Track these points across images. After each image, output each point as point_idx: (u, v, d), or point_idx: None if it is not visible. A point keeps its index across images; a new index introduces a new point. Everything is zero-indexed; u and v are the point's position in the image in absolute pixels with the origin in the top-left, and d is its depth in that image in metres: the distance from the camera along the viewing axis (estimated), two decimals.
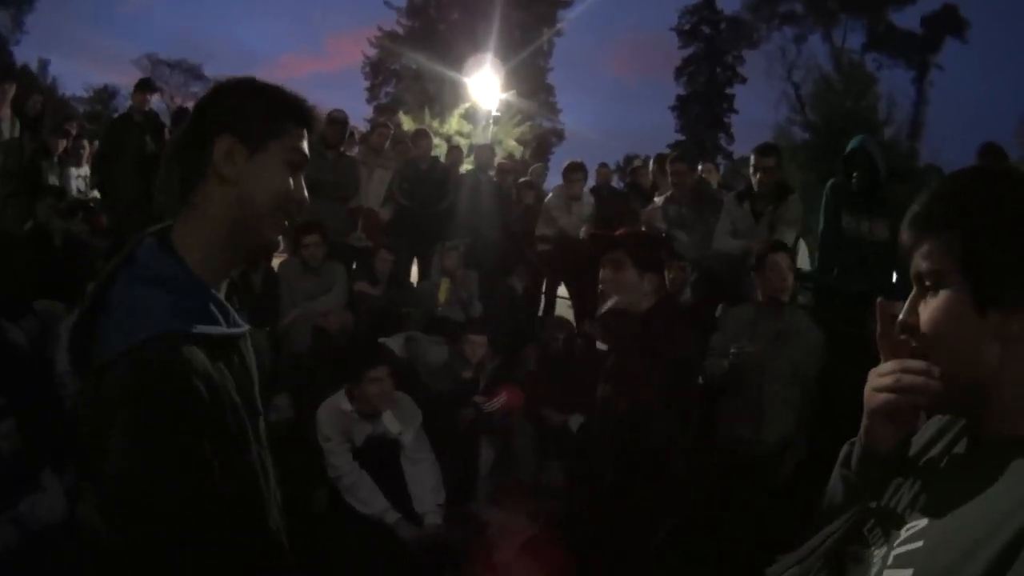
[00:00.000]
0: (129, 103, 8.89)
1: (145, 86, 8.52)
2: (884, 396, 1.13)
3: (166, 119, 9.11)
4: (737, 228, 6.04)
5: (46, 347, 5.60)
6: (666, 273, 4.91)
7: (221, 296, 1.52)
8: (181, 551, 1.30)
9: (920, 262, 1.10)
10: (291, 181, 1.53)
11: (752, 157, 6.16)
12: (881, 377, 1.15)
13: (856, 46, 38.04)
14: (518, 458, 5.32)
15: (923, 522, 1.04)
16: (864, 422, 1.20)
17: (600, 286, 3.03)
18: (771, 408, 4.39)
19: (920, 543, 1.01)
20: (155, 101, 8.61)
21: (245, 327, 1.55)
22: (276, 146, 1.50)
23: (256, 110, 1.50)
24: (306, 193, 1.57)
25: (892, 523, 1.11)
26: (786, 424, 4.41)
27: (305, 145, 1.55)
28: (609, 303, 2.99)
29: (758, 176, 5.96)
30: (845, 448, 1.28)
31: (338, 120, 7.62)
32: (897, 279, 5.53)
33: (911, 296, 1.13)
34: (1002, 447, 1.01)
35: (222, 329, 1.46)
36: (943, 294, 1.06)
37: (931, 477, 1.12)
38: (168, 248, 1.46)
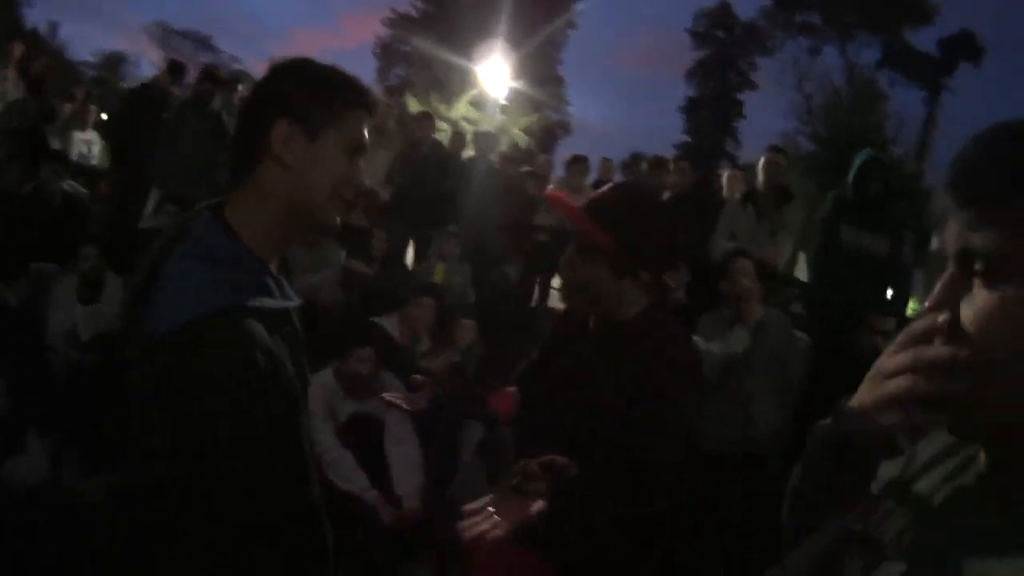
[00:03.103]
0: (153, 75, 8.88)
1: (177, 71, 8.53)
2: (901, 382, 0.88)
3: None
4: (736, 232, 6.06)
5: (37, 309, 5.62)
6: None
7: (274, 270, 1.51)
8: (226, 527, 1.32)
9: (972, 236, 0.82)
10: (350, 166, 1.52)
11: (763, 156, 6.24)
12: (896, 357, 0.91)
13: (870, 62, 38.08)
14: (502, 443, 5.33)
15: (901, 566, 0.89)
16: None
17: (560, 272, 2.17)
18: (757, 403, 4.42)
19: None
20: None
21: (297, 300, 1.56)
22: (336, 132, 1.49)
23: (316, 95, 1.48)
24: (364, 178, 1.57)
25: (871, 555, 0.94)
26: (774, 418, 4.44)
27: (365, 130, 1.54)
28: (563, 299, 2.27)
29: (764, 176, 6.04)
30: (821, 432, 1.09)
31: None
32: (892, 295, 5.61)
33: (946, 278, 0.86)
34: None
35: (277, 302, 1.46)
36: (1004, 288, 0.80)
37: (925, 510, 0.94)
38: (223, 224, 1.47)
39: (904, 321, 5.38)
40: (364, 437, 4.09)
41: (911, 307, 5.92)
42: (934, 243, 5.63)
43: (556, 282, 8.42)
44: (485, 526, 1.56)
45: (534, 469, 1.72)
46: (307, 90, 1.48)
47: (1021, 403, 0.79)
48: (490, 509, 1.62)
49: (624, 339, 2.03)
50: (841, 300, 5.38)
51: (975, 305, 0.82)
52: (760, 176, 6.14)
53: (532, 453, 1.80)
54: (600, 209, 2.07)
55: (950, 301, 0.84)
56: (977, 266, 0.81)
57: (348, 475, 3.89)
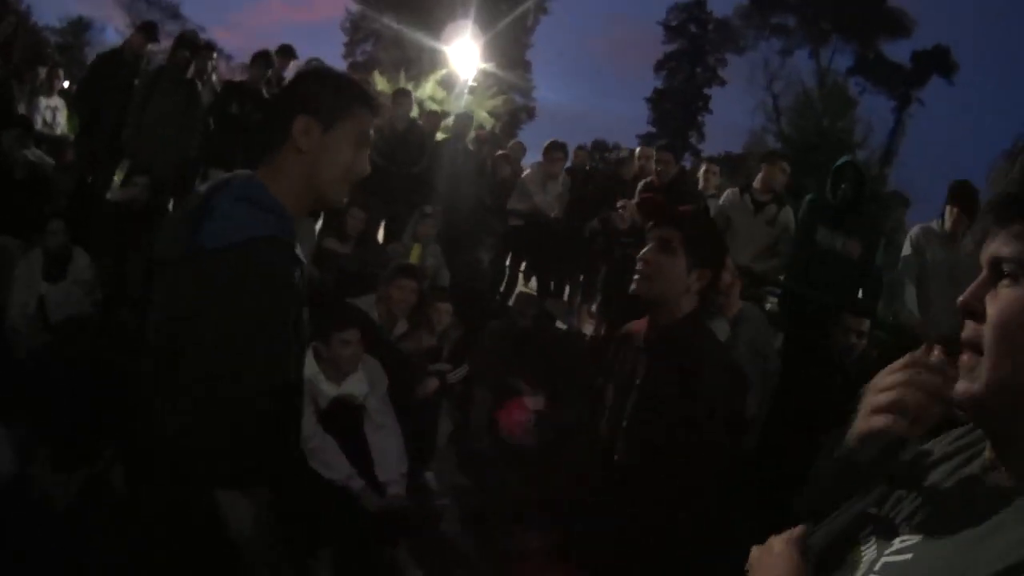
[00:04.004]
0: (121, 41, 8.63)
1: (148, 31, 8.23)
2: (892, 395, 1.06)
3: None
4: (733, 219, 6.25)
5: None
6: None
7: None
8: (253, 417, 1.64)
9: (1001, 246, 0.95)
10: (356, 155, 1.85)
11: (766, 160, 6.59)
12: (893, 376, 1.09)
13: (842, 68, 38.57)
14: (475, 429, 5.31)
15: (917, 538, 1.00)
16: (860, 426, 1.13)
17: (639, 264, 2.44)
18: None
19: (910, 556, 0.98)
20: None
21: (304, 261, 1.86)
22: (346, 126, 1.82)
23: (330, 95, 1.82)
24: (368, 165, 1.88)
25: (887, 532, 1.06)
26: (753, 400, 4.48)
27: (371, 126, 1.88)
28: (636, 287, 2.44)
29: (762, 178, 6.34)
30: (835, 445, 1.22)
31: None
32: (863, 296, 5.74)
33: (979, 279, 0.99)
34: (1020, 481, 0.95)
35: (299, 253, 1.80)
36: None
37: (935, 495, 1.06)
38: (259, 183, 1.79)
39: (875, 322, 5.49)
40: (344, 422, 4.01)
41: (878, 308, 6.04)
42: (905, 248, 5.73)
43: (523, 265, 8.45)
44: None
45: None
46: (325, 90, 1.82)
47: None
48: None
49: (677, 337, 2.38)
50: (815, 299, 5.51)
51: (999, 301, 0.94)
52: (756, 179, 6.41)
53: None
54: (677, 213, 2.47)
55: (979, 297, 0.97)
56: (1006, 269, 0.94)
57: (331, 463, 3.81)
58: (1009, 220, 0.95)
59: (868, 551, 1.07)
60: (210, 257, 1.62)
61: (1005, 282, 0.94)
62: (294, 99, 1.84)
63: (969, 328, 0.99)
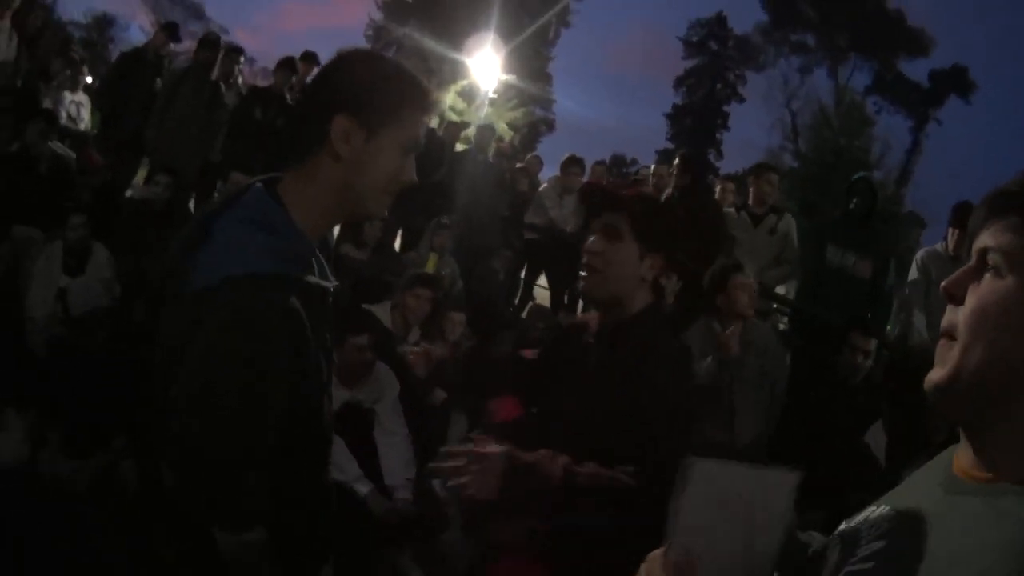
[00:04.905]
0: (144, 40, 8.76)
1: (171, 31, 8.37)
2: None
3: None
4: (736, 237, 6.22)
5: (18, 278, 5.48)
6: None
7: (315, 250, 1.58)
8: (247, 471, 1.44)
9: (987, 238, 0.97)
10: (403, 164, 1.57)
11: (753, 173, 6.53)
12: None
13: (860, 86, 38.51)
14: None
15: (880, 544, 1.00)
16: None
17: (584, 257, 2.20)
18: (742, 411, 4.49)
19: (871, 564, 0.98)
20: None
21: (334, 282, 1.61)
22: (394, 132, 1.53)
23: (381, 95, 1.51)
24: (415, 174, 1.61)
25: (852, 543, 1.06)
26: (757, 424, 4.53)
27: (422, 132, 1.59)
28: (584, 284, 2.23)
29: (754, 192, 6.35)
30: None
31: None
32: (873, 316, 5.70)
33: (965, 267, 1.00)
34: (991, 482, 0.94)
35: (315, 279, 1.52)
36: (1009, 279, 0.93)
37: (903, 500, 1.06)
38: (276, 197, 1.53)
39: (884, 342, 5.48)
40: (354, 426, 4.05)
41: (888, 328, 6.04)
42: (912, 272, 5.74)
43: (542, 280, 8.48)
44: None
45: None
46: (371, 87, 1.51)
47: (996, 367, 0.92)
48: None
49: (630, 334, 2.14)
50: (824, 318, 5.52)
51: (980, 289, 0.95)
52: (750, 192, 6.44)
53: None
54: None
55: (962, 284, 0.98)
56: (991, 260, 0.94)
57: (341, 464, 3.85)
58: (1003, 212, 0.96)
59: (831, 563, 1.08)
60: (201, 297, 1.41)
61: (989, 273, 0.95)
62: (334, 92, 1.52)
63: (948, 314, 1.00)
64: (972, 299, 0.96)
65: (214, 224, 1.47)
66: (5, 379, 4.31)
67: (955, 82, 38.24)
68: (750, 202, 6.46)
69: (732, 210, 6.51)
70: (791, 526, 1.22)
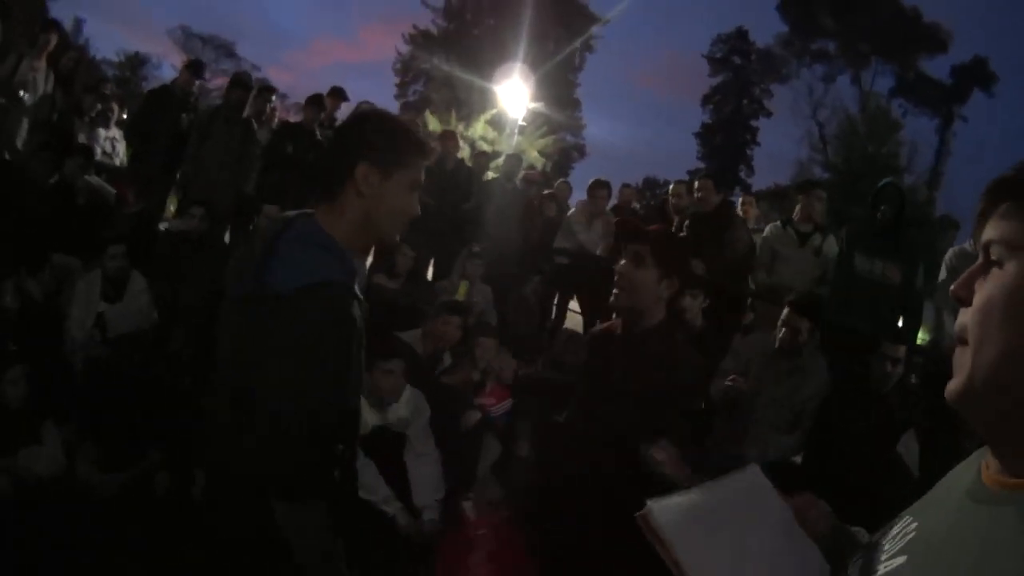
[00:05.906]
0: (173, 77, 8.99)
1: (196, 68, 8.67)
2: None
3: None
4: (780, 252, 6.29)
5: (60, 302, 5.66)
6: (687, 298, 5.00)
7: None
8: (319, 449, 1.78)
9: (990, 230, 0.93)
10: (410, 199, 2.00)
11: (801, 191, 6.66)
12: None
13: (884, 90, 38.23)
14: (517, 462, 5.33)
15: (901, 560, 0.97)
16: None
17: (616, 276, 2.77)
18: (758, 433, 4.58)
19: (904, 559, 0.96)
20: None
21: (365, 305, 1.96)
22: (403, 173, 1.96)
23: (391, 145, 1.95)
24: (419, 207, 2.03)
25: (874, 557, 1.03)
26: (773, 448, 4.56)
27: (423, 173, 2.02)
28: (614, 299, 2.78)
29: (800, 209, 6.38)
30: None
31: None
32: (904, 323, 5.69)
33: (971, 268, 0.96)
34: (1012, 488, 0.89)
35: (357, 291, 1.89)
36: (1009, 266, 0.90)
37: (928, 513, 1.02)
38: (319, 224, 1.92)
39: (915, 348, 5.42)
40: (385, 449, 4.10)
41: (920, 336, 5.96)
42: (942, 273, 5.69)
43: (574, 304, 8.48)
44: None
45: None
46: (385, 140, 1.95)
47: (1010, 364, 0.87)
48: None
49: (648, 343, 2.70)
50: (854, 326, 5.46)
51: (985, 286, 0.92)
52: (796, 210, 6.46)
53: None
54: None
55: (969, 286, 0.95)
56: (993, 253, 0.92)
57: (371, 484, 3.91)
58: (998, 200, 0.94)
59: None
60: (280, 300, 1.75)
61: (994, 268, 0.92)
62: (357, 146, 1.94)
63: (960, 317, 0.96)
64: (978, 296, 0.92)
65: (277, 242, 1.86)
66: (45, 395, 4.43)
67: (977, 75, 37.87)
68: (795, 218, 6.45)
69: (777, 226, 6.54)
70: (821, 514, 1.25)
